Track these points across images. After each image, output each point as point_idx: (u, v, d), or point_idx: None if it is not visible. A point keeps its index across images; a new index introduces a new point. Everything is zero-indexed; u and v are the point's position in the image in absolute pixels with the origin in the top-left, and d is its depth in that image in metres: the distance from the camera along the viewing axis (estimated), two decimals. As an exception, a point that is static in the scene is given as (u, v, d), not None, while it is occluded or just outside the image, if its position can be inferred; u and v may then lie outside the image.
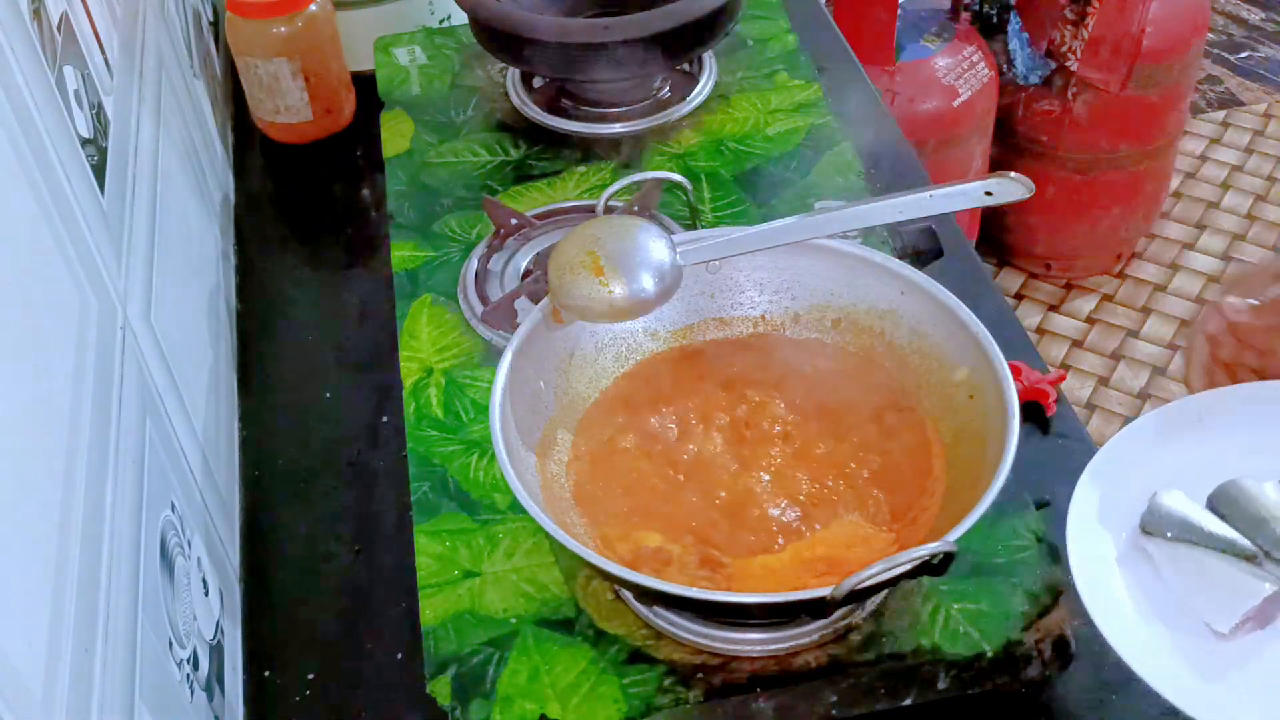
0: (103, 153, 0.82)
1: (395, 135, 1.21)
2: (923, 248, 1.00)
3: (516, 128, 1.23)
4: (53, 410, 0.64)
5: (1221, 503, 0.76)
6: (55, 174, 0.71)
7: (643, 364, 0.92)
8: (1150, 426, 0.81)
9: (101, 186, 0.80)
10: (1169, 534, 0.75)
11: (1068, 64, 2.08)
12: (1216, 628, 0.71)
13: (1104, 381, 2.24)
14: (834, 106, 1.22)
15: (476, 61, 1.29)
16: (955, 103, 1.98)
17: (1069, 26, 2.05)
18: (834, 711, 0.77)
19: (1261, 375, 0.84)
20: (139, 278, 0.85)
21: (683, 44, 1.17)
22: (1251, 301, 0.87)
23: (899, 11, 1.93)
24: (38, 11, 0.74)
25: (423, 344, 1.00)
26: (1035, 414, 0.94)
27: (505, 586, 0.83)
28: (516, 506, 0.80)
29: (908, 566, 0.69)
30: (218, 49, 1.40)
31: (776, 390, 0.89)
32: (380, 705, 0.83)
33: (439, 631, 0.81)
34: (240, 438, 1.02)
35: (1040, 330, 2.32)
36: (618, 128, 1.22)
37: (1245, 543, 0.73)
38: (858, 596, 0.71)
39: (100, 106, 0.84)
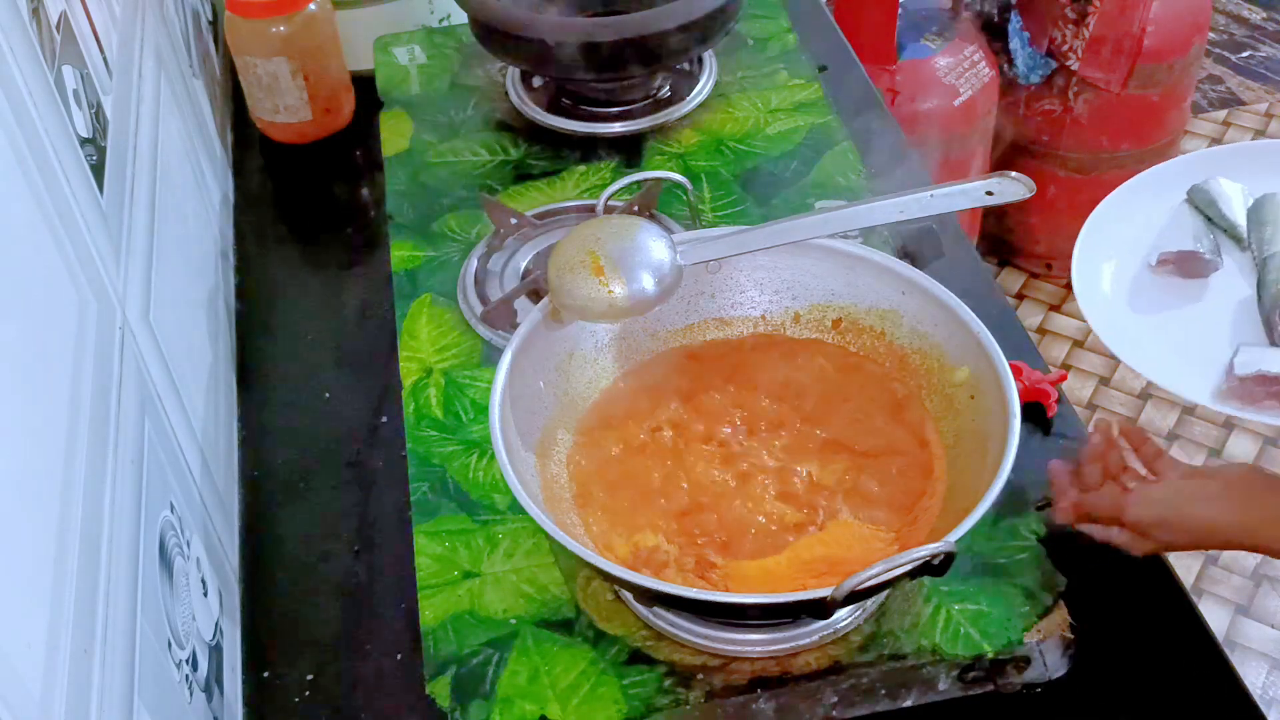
0: (101, 152, 0.82)
1: (395, 135, 1.21)
2: (923, 248, 1.00)
3: (516, 127, 1.22)
4: (51, 410, 0.63)
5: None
6: (54, 174, 0.71)
7: (643, 364, 0.92)
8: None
9: (100, 186, 0.80)
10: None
11: (1069, 63, 2.07)
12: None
13: (1105, 381, 2.23)
14: (834, 106, 1.22)
15: (476, 61, 1.29)
16: (956, 102, 1.98)
17: (1070, 26, 2.05)
18: (834, 712, 0.77)
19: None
20: (138, 277, 0.85)
21: (683, 44, 1.17)
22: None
23: (899, 11, 1.93)
24: (36, 11, 0.74)
25: (422, 344, 1.00)
26: (1036, 414, 0.94)
27: (505, 587, 0.83)
28: (516, 507, 0.80)
29: (908, 567, 0.69)
30: (217, 48, 1.39)
31: (776, 390, 0.89)
32: (380, 705, 0.83)
33: (439, 632, 0.81)
34: (239, 438, 1.01)
35: (1041, 330, 2.31)
36: (618, 128, 1.22)
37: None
38: (858, 597, 0.71)
39: (99, 106, 0.84)
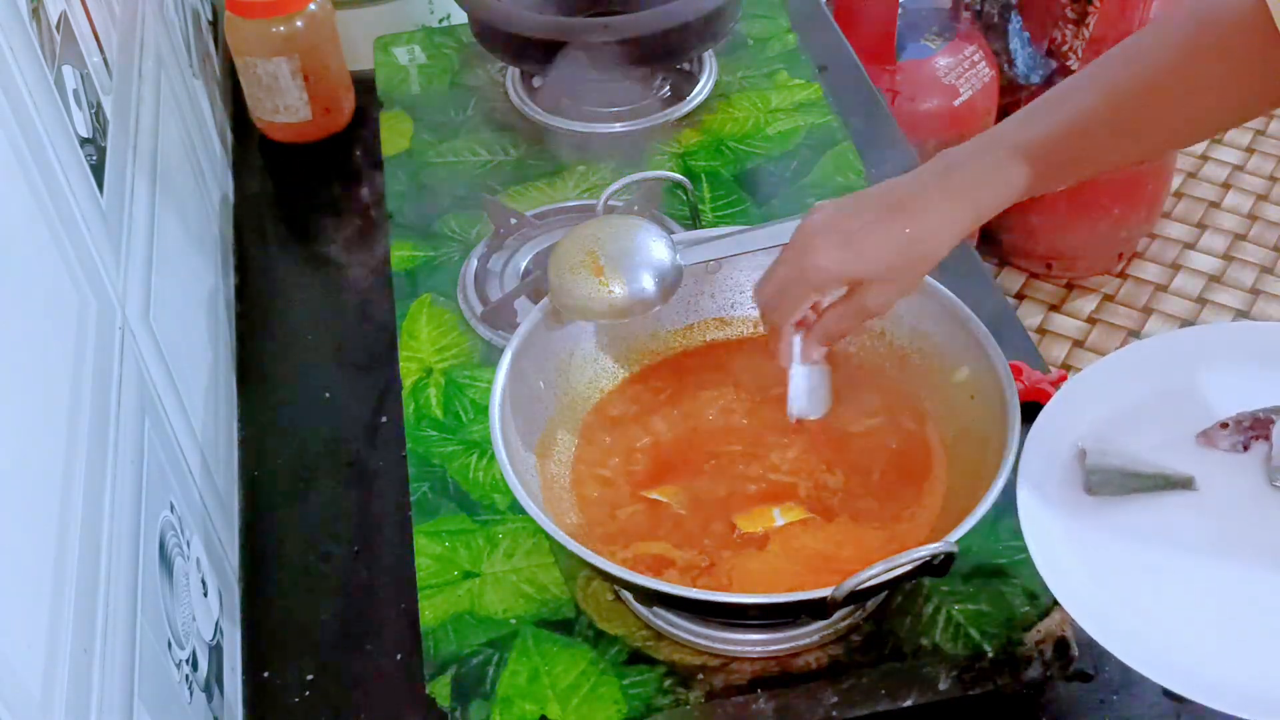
0: (101, 152, 0.82)
1: (395, 135, 1.21)
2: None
3: (516, 127, 1.22)
4: (51, 411, 0.63)
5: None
6: (54, 174, 0.71)
7: (643, 364, 0.92)
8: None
9: (100, 186, 0.80)
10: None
11: (1069, 63, 2.07)
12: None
13: (1105, 381, 2.23)
14: (834, 106, 1.22)
15: (476, 61, 1.29)
16: (956, 102, 1.98)
17: (1070, 26, 2.05)
18: (835, 712, 0.77)
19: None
20: (138, 278, 0.85)
21: (683, 44, 1.17)
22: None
23: (900, 11, 1.93)
24: (36, 11, 0.74)
25: (422, 344, 1.00)
26: (1036, 414, 0.94)
27: (505, 587, 0.83)
28: (516, 507, 0.80)
29: (909, 567, 0.69)
30: (217, 49, 1.39)
31: (777, 391, 0.89)
32: (380, 706, 0.83)
33: (439, 632, 0.81)
34: (239, 438, 1.01)
35: (1041, 330, 2.31)
36: (618, 128, 1.21)
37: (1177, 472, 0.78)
38: (858, 597, 0.71)
39: (99, 106, 0.84)
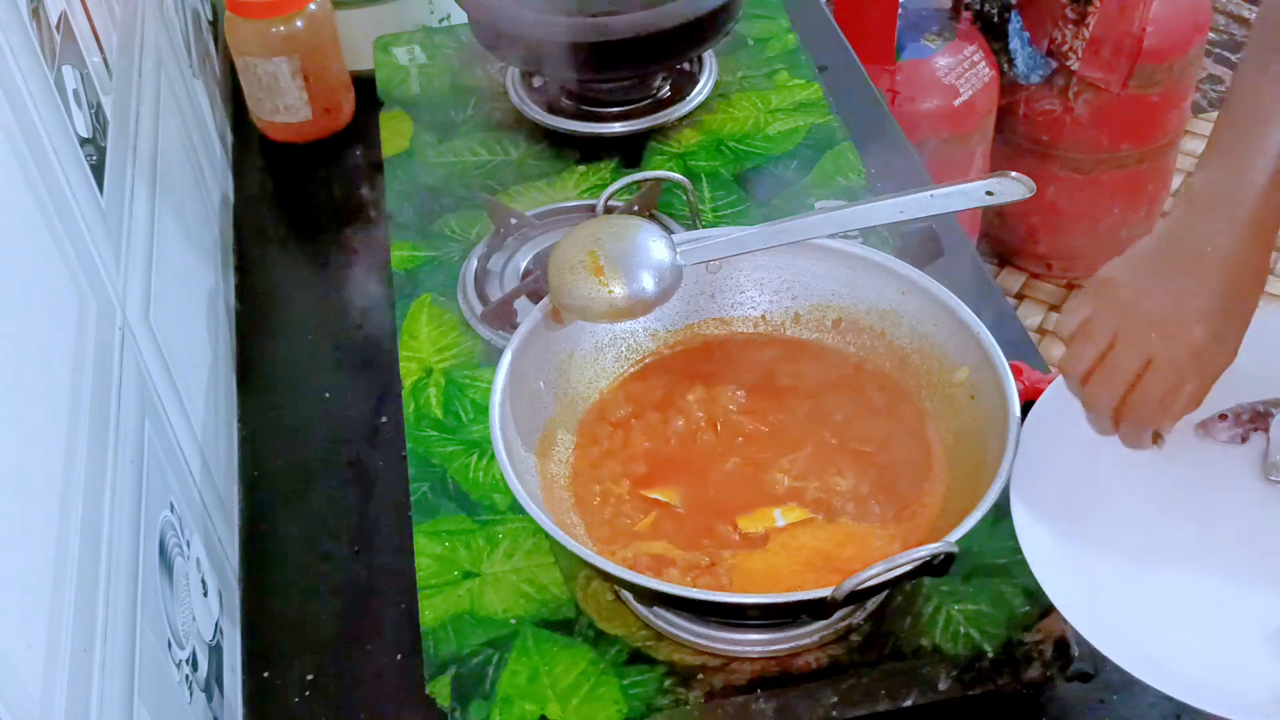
0: (101, 152, 0.82)
1: (395, 135, 1.21)
2: (923, 248, 1.00)
3: (516, 127, 1.22)
4: (51, 411, 0.63)
5: None
6: (54, 174, 0.71)
7: (643, 364, 0.92)
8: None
9: (100, 186, 0.80)
10: None
11: (1069, 63, 2.07)
12: None
13: (1105, 381, 2.23)
14: (834, 106, 1.22)
15: (476, 61, 1.29)
16: (956, 102, 1.98)
17: (1070, 26, 2.05)
18: (834, 712, 0.77)
19: None
20: (138, 277, 0.85)
21: (683, 44, 1.17)
22: None
23: (899, 10, 1.93)
24: (36, 11, 0.74)
25: (422, 344, 1.00)
26: (1036, 414, 0.94)
27: (505, 587, 0.83)
28: (516, 507, 0.80)
29: (909, 567, 0.69)
30: (217, 49, 1.39)
31: (776, 391, 0.89)
32: (380, 705, 0.83)
33: (439, 632, 0.81)
34: (239, 437, 1.01)
35: (1041, 330, 2.31)
36: (618, 127, 1.21)
37: None
38: (858, 597, 0.71)
39: (99, 106, 0.84)
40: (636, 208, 1.07)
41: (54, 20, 0.78)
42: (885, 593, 0.79)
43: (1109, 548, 0.74)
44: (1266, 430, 0.78)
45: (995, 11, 2.13)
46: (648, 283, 0.83)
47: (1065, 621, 0.72)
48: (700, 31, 1.17)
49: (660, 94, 1.25)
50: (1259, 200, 0.69)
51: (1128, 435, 0.73)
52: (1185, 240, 0.71)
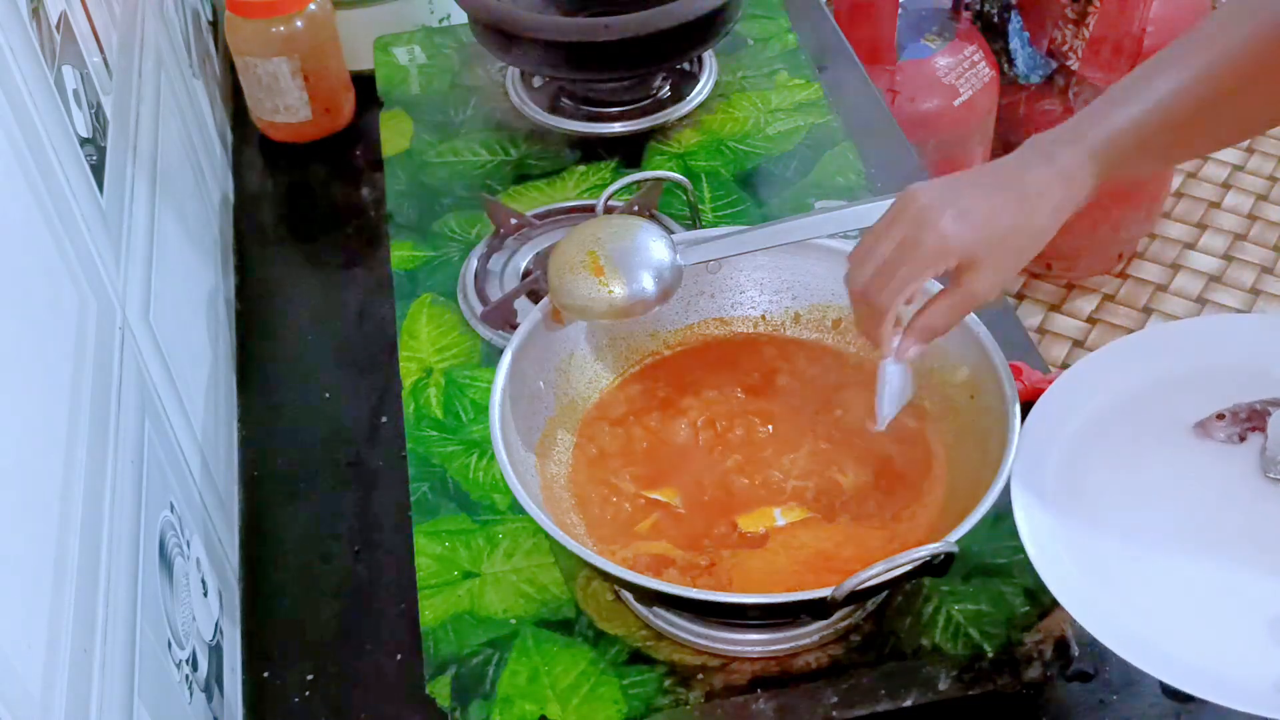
0: (101, 152, 0.82)
1: (395, 135, 1.21)
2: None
3: (516, 128, 1.22)
4: (51, 411, 0.63)
5: None
6: (54, 174, 0.71)
7: (643, 364, 0.92)
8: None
9: (100, 186, 0.80)
10: None
11: (1069, 63, 2.07)
12: None
13: (1105, 381, 2.23)
14: (834, 106, 1.22)
15: (476, 61, 1.29)
16: (956, 102, 1.98)
17: (1070, 26, 2.05)
18: (834, 712, 0.77)
19: None
20: (138, 277, 0.85)
21: (683, 44, 1.17)
22: None
23: (900, 10, 1.93)
24: (36, 11, 0.74)
25: (422, 344, 1.00)
26: (1036, 414, 0.94)
27: (505, 587, 0.83)
28: (516, 507, 0.80)
29: (909, 567, 0.69)
30: (217, 49, 1.39)
31: (776, 391, 0.89)
32: (380, 705, 0.83)
33: (439, 632, 0.81)
34: (239, 438, 1.01)
35: (1041, 330, 2.31)
36: (618, 127, 1.22)
37: None
38: (858, 597, 0.71)
39: (99, 106, 0.84)
40: (636, 208, 1.07)
41: (54, 20, 0.78)
42: (885, 593, 0.79)
43: (1110, 539, 0.75)
44: (1264, 430, 0.78)
45: (995, 11, 2.13)
46: (648, 283, 0.83)
47: (1067, 618, 0.72)
48: (700, 31, 1.17)
49: (660, 94, 1.25)
50: (1074, 173, 0.73)
51: (858, 312, 0.77)
52: (996, 171, 0.75)
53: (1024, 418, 0.77)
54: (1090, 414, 0.80)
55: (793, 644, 0.78)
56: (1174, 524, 0.75)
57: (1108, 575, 0.73)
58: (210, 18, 1.41)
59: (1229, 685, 0.66)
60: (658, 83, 1.25)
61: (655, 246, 0.85)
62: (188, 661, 0.76)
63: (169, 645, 0.73)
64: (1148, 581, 0.73)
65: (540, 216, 1.10)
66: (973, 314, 0.84)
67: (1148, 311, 2.34)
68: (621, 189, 0.97)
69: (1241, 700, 0.65)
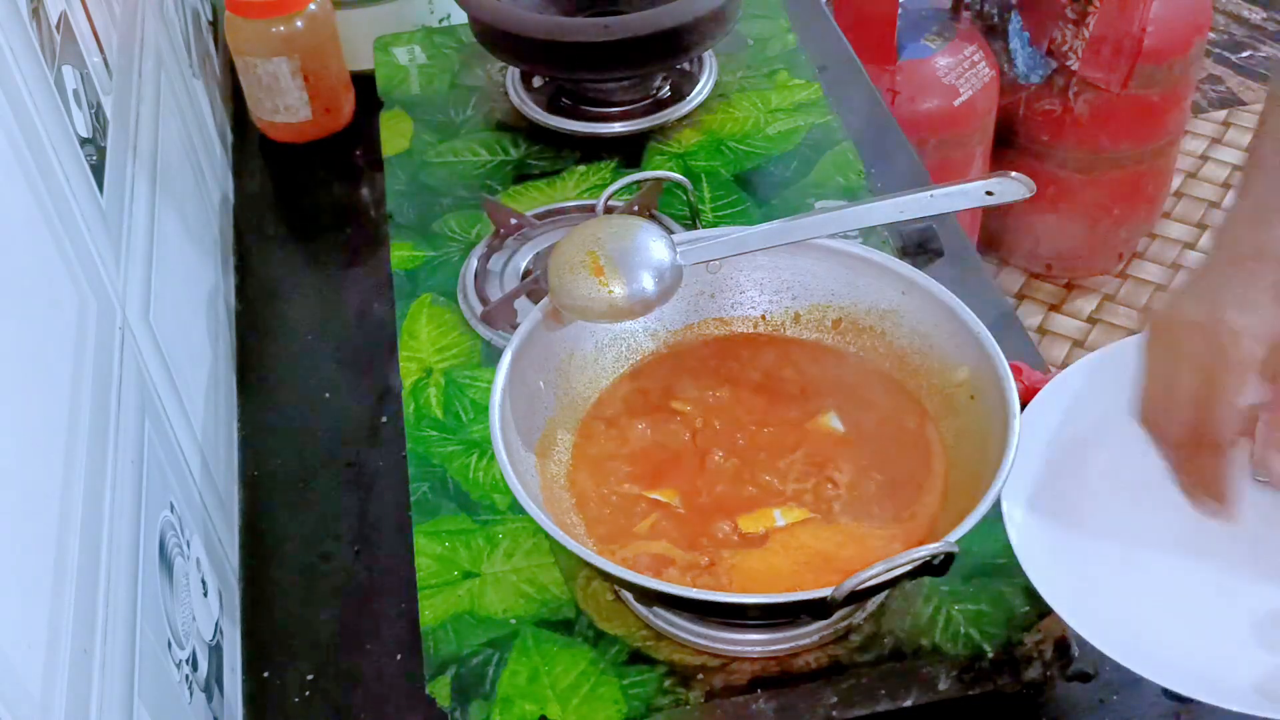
0: (101, 152, 0.82)
1: (395, 135, 1.21)
2: (923, 248, 1.00)
3: (516, 127, 1.22)
4: (51, 411, 0.63)
5: None
6: (54, 174, 0.71)
7: (643, 364, 0.92)
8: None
9: (100, 186, 0.80)
10: None
11: (1069, 63, 2.07)
12: None
13: (1105, 381, 2.23)
14: (834, 106, 1.22)
15: (476, 61, 1.29)
16: (956, 102, 1.98)
17: (1070, 26, 2.05)
18: (834, 712, 0.77)
19: None
20: (137, 277, 0.85)
21: (683, 44, 1.17)
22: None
23: (900, 10, 1.93)
24: (36, 11, 0.74)
25: (422, 344, 1.00)
26: (1036, 414, 0.94)
27: (505, 587, 0.83)
28: (516, 507, 0.80)
29: (909, 567, 0.69)
30: (217, 49, 1.40)
31: (777, 391, 0.89)
32: (380, 706, 0.83)
33: (439, 632, 0.81)
34: (239, 438, 1.01)
35: (1041, 330, 2.31)
36: (618, 128, 1.21)
37: None
38: (858, 597, 0.71)
39: (99, 106, 0.84)
40: (636, 208, 1.07)
41: (54, 20, 0.78)
42: (885, 593, 0.79)
43: (1098, 542, 0.75)
44: (1252, 435, 0.78)
45: (995, 11, 2.13)
46: (648, 283, 0.83)
47: (1060, 618, 0.72)
48: (700, 31, 1.17)
49: (660, 94, 1.25)
50: None
51: (1186, 471, 0.66)
52: (1234, 246, 0.68)
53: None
54: (1079, 418, 0.80)
55: (793, 644, 0.78)
56: (1163, 525, 0.75)
57: (1095, 577, 0.73)
58: (210, 18, 1.41)
59: (1215, 684, 0.67)
60: (658, 83, 1.25)
61: (655, 246, 0.85)
62: (188, 661, 0.76)
63: (169, 645, 0.73)
64: (1136, 582, 0.73)
65: (540, 216, 1.10)
66: (973, 314, 0.84)
67: (1148, 312, 2.34)
68: (621, 189, 0.96)
69: (1228, 699, 0.66)
